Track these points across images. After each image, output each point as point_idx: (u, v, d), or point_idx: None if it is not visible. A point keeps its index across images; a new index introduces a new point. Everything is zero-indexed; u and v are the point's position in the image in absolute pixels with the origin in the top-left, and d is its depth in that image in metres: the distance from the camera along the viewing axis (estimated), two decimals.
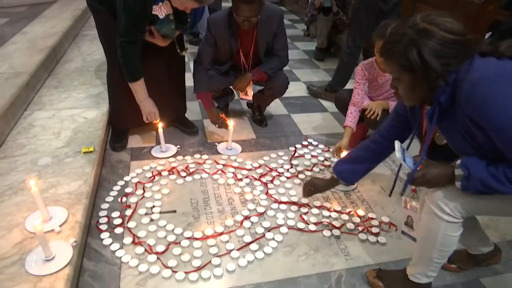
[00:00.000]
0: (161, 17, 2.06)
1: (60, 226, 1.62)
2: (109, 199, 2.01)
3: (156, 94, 2.31)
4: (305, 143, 2.63)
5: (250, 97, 2.68)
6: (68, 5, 4.59)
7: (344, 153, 2.19)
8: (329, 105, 3.19)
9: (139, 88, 2.22)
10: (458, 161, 1.21)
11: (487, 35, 3.09)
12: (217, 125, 2.52)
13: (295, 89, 3.51)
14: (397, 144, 1.39)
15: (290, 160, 2.44)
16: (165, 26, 2.12)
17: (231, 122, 2.45)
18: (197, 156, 2.42)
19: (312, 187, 1.87)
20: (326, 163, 2.43)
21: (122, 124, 2.49)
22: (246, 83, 2.58)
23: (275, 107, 3.13)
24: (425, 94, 1.24)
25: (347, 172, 1.73)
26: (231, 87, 2.73)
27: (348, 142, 2.35)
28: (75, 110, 2.56)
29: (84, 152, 2.12)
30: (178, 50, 2.31)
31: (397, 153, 1.36)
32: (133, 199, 2.01)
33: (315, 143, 2.64)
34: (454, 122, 1.23)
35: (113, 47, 2.11)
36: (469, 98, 1.12)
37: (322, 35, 4.33)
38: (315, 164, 2.40)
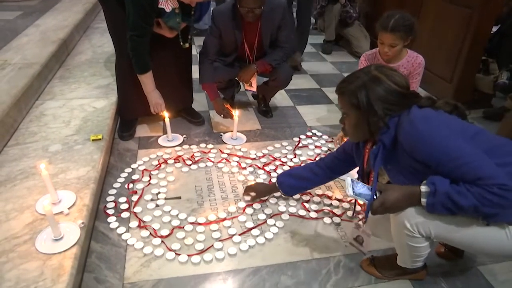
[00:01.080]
0: (168, 10, 2.11)
1: (68, 208, 1.69)
2: (117, 185, 2.08)
3: (163, 85, 2.37)
4: (309, 134, 2.66)
5: (254, 88, 2.72)
6: None
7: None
8: (334, 97, 3.19)
9: (147, 80, 2.28)
10: (424, 181, 1.26)
11: (494, 29, 3.07)
12: (222, 115, 2.57)
13: (302, 82, 3.54)
14: (347, 181, 1.42)
15: (294, 150, 2.47)
16: (171, 19, 2.16)
17: (236, 112, 2.50)
18: (202, 145, 2.47)
19: (254, 192, 2.00)
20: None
21: (130, 114, 2.56)
22: (250, 74, 2.61)
23: (281, 98, 3.16)
24: (367, 133, 1.41)
25: (287, 185, 1.89)
26: (236, 78, 2.78)
27: None
28: (85, 100, 2.63)
29: (93, 140, 2.19)
30: (181, 43, 2.35)
31: (348, 190, 1.38)
32: (139, 186, 2.07)
33: (319, 134, 2.67)
34: (397, 163, 1.37)
35: (121, 38, 2.17)
36: (409, 134, 1.28)
37: (331, 27, 4.35)
38: (318, 154, 2.44)
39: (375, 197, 1.35)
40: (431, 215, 1.28)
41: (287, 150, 2.47)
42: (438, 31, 3.34)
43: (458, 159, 1.20)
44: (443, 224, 1.29)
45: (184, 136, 2.55)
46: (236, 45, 2.56)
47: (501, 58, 3.40)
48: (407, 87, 1.36)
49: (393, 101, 1.33)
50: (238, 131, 2.57)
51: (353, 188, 1.39)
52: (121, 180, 2.12)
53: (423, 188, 1.25)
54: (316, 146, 2.52)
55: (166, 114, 2.40)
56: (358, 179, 1.61)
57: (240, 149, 2.45)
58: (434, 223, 1.30)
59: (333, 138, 2.61)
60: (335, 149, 2.46)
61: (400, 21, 2.10)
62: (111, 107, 2.55)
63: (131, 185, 2.08)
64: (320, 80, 3.62)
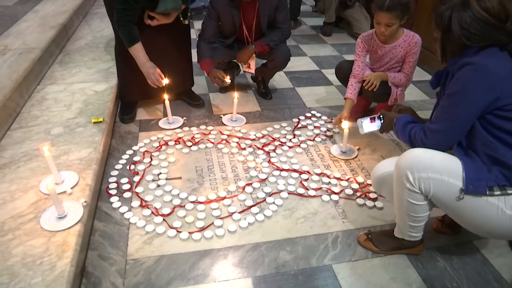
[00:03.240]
0: None
1: (71, 188, 1.73)
2: (118, 166, 2.12)
3: (163, 68, 2.37)
4: (308, 114, 2.68)
5: (252, 70, 2.73)
6: None
7: (344, 124, 2.24)
8: (334, 78, 3.20)
9: (137, 53, 2.27)
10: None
11: None
12: (215, 84, 2.55)
13: (301, 64, 3.54)
14: (358, 122, 1.88)
15: (293, 130, 2.50)
16: (170, 1, 2.16)
17: (235, 94, 2.51)
18: (202, 127, 2.50)
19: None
20: (328, 133, 2.48)
21: (130, 97, 2.58)
22: (248, 55, 2.62)
23: (280, 80, 3.17)
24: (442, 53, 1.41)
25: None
26: (235, 60, 2.78)
27: (349, 113, 2.39)
28: (86, 84, 2.65)
29: (94, 123, 2.21)
30: (181, 19, 2.35)
31: (363, 130, 1.85)
32: (141, 167, 2.11)
33: (318, 114, 2.69)
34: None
35: None
36: (457, 71, 1.31)
37: (331, 8, 4.31)
38: (317, 135, 2.46)
39: (382, 121, 1.74)
40: (433, 172, 1.32)
41: (286, 130, 2.50)
42: None
43: (449, 118, 1.35)
44: (442, 184, 1.32)
45: (184, 118, 2.57)
46: (235, 27, 2.56)
47: None
48: (499, 17, 1.28)
49: (476, 30, 1.28)
50: (237, 113, 2.59)
51: (363, 128, 1.85)
52: (122, 161, 2.16)
53: (394, 120, 1.59)
54: (315, 127, 2.54)
55: (166, 96, 2.41)
56: None
57: (239, 131, 2.47)
58: (435, 181, 1.32)
59: (332, 119, 2.62)
60: (334, 129, 2.50)
61: (396, 0, 2.09)
62: (111, 91, 2.57)
63: (132, 166, 2.12)
64: (319, 62, 3.61)
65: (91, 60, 3.02)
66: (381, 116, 1.74)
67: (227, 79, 2.48)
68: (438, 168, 1.32)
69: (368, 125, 1.83)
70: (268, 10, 2.51)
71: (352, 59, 2.53)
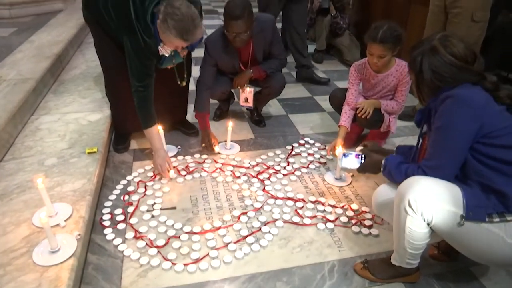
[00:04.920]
0: (167, 55, 2.10)
1: (65, 221, 1.71)
2: (112, 197, 2.10)
3: (158, 98, 2.34)
4: (302, 142, 2.70)
5: (250, 104, 2.77)
6: (73, 14, 4.72)
7: (338, 151, 2.26)
8: (327, 105, 3.24)
9: (153, 135, 2.23)
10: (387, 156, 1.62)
11: None
12: (203, 145, 2.54)
13: (294, 90, 3.60)
14: (339, 155, 1.93)
15: (287, 158, 2.51)
16: (166, 61, 2.19)
17: (230, 123, 2.54)
18: (197, 156, 2.50)
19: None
20: (322, 160, 2.50)
21: (123, 129, 2.59)
22: (245, 79, 2.66)
23: (274, 108, 3.21)
24: (419, 94, 1.52)
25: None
26: (232, 90, 2.82)
27: (343, 141, 2.42)
28: (80, 113, 2.67)
29: (88, 153, 2.21)
30: (178, 82, 2.38)
31: (341, 164, 1.86)
32: (135, 197, 2.09)
33: (311, 141, 2.71)
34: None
35: (107, 62, 2.25)
36: (441, 105, 1.38)
37: (322, 37, 4.42)
38: (311, 162, 2.48)
39: (362, 161, 1.76)
40: (435, 200, 1.34)
41: (280, 158, 2.51)
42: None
43: (444, 151, 1.38)
44: (444, 212, 1.34)
45: (179, 147, 2.58)
46: (233, 68, 2.63)
47: (487, 63, 3.46)
48: (466, 60, 1.40)
49: (446, 73, 1.39)
50: (231, 141, 2.60)
51: (341, 162, 1.85)
52: (116, 192, 2.15)
53: (383, 161, 1.59)
54: (309, 154, 2.56)
55: (160, 127, 2.39)
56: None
57: (234, 159, 2.48)
58: (437, 209, 1.34)
59: (325, 145, 2.65)
60: (328, 156, 2.52)
61: (388, 32, 2.16)
62: (106, 120, 2.58)
63: (126, 197, 2.10)
64: (312, 89, 3.67)
65: (85, 90, 3.04)
66: (364, 156, 1.77)
67: (216, 147, 2.48)
68: (440, 196, 1.34)
69: (349, 161, 1.82)
70: (262, 46, 2.57)
71: (343, 85, 2.60)
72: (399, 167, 1.52)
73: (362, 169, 1.77)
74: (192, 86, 2.64)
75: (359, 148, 1.93)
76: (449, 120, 1.35)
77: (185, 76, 2.44)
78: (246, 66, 2.64)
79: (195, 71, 2.65)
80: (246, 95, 2.74)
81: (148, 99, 2.16)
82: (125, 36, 2.03)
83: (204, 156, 2.50)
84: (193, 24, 1.87)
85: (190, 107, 2.82)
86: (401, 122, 2.95)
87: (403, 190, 1.40)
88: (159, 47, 2.04)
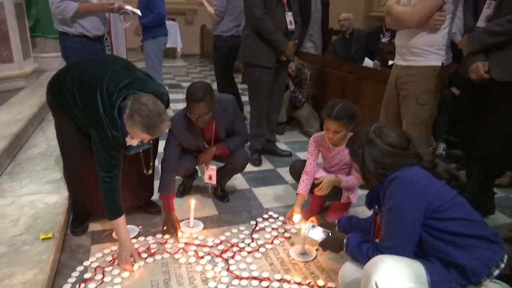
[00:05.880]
0: (134, 145, 2.13)
1: None
2: (67, 286, 1.98)
3: (124, 182, 2.24)
4: (266, 216, 2.71)
5: (214, 181, 2.81)
6: (35, 91, 4.72)
7: (296, 217, 2.34)
8: (289, 177, 3.31)
9: (120, 227, 2.15)
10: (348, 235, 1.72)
11: None
12: (164, 227, 2.46)
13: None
14: (308, 225, 2.10)
15: (251, 234, 2.49)
16: (133, 149, 2.20)
17: (192, 201, 2.52)
18: (158, 236, 2.44)
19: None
20: (286, 234, 2.50)
21: (82, 211, 2.51)
22: (209, 156, 2.70)
23: (237, 181, 3.24)
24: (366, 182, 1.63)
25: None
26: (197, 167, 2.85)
27: (300, 209, 2.50)
28: (36, 195, 2.57)
29: (43, 239, 2.11)
30: (144, 170, 2.38)
31: (307, 232, 2.07)
32: (92, 285, 1.98)
33: (275, 215, 2.72)
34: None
35: (67, 148, 2.25)
36: (388, 190, 1.48)
37: (282, 110, 4.62)
38: (275, 237, 2.47)
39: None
40: (401, 279, 1.36)
41: (245, 234, 2.49)
42: (378, 110, 3.65)
43: (397, 232, 1.45)
44: None
45: (140, 227, 2.51)
46: (197, 147, 2.69)
47: (436, 131, 3.74)
48: (402, 147, 1.52)
49: (387, 162, 1.50)
50: (195, 218, 2.57)
51: (309, 231, 2.06)
52: (72, 280, 2.02)
53: (345, 240, 1.68)
54: (273, 228, 2.56)
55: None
56: None
57: (197, 237, 2.44)
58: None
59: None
60: (291, 230, 2.52)
61: (343, 110, 2.31)
62: (63, 202, 2.50)
63: (82, 285, 1.98)
64: (274, 161, 3.76)
65: (43, 170, 2.97)
66: (329, 233, 1.94)
67: (179, 233, 2.44)
68: (405, 275, 1.37)
69: (315, 233, 2.06)
70: (225, 124, 2.67)
71: (304, 156, 2.70)
72: (360, 247, 1.60)
73: (324, 246, 1.83)
74: (157, 161, 2.64)
75: (304, 226, 2.12)
76: (398, 202, 1.43)
77: (151, 164, 2.44)
78: (210, 144, 2.71)
79: (161, 147, 2.65)
80: (210, 172, 2.77)
81: (115, 190, 2.12)
82: (92, 128, 2.04)
83: (166, 236, 2.43)
84: (159, 119, 1.91)
85: (156, 184, 2.80)
86: (363, 191, 3.03)
87: (369, 270, 1.42)
88: (126, 139, 2.06)
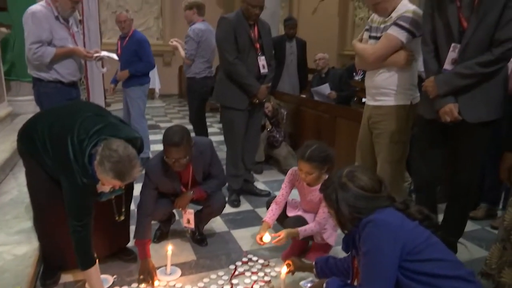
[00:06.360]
0: (106, 191, 2.12)
1: None
2: None
3: (97, 229, 2.20)
4: (245, 259, 2.66)
5: (192, 225, 2.77)
6: (8, 135, 4.60)
7: (266, 237, 2.44)
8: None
9: (92, 277, 2.10)
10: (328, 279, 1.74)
11: None
12: (141, 276, 2.38)
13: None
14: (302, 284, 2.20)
15: (230, 279, 2.44)
16: (105, 195, 2.19)
17: (169, 247, 2.46)
18: (134, 285, 2.35)
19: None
20: (266, 278, 2.45)
21: (54, 262, 2.40)
22: (186, 200, 2.68)
23: (216, 224, 3.19)
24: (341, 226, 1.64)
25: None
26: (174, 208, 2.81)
27: (265, 232, 2.51)
28: (4, 247, 2.46)
29: None
30: (116, 217, 2.34)
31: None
32: None
33: (255, 258, 2.68)
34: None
35: (38, 196, 2.20)
36: (362, 233, 1.48)
37: (260, 149, 4.66)
38: (255, 281, 2.42)
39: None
40: None
41: (223, 280, 2.43)
42: (354, 148, 3.72)
43: (375, 276, 1.44)
44: None
45: (115, 276, 2.42)
46: (175, 191, 2.67)
47: (410, 167, 3.80)
48: (374, 190, 1.54)
49: (361, 205, 1.51)
50: (172, 265, 2.50)
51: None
52: None
53: (324, 285, 1.70)
54: (252, 273, 2.51)
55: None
56: None
57: (174, 285, 2.36)
58: None
59: (269, 262, 2.63)
60: (271, 274, 2.48)
61: (316, 152, 2.35)
62: (33, 253, 2.40)
63: None
64: (253, 201, 3.74)
65: (14, 218, 2.86)
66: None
67: (156, 281, 2.36)
68: None
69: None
70: (202, 167, 2.68)
71: None
72: None
73: None
74: (134, 204, 2.59)
75: (283, 270, 2.12)
76: (373, 245, 1.44)
77: (123, 210, 2.39)
78: (187, 187, 2.69)
79: (137, 190, 2.61)
80: (188, 216, 2.74)
81: (87, 239, 2.06)
82: (62, 176, 2.01)
83: (142, 286, 2.35)
84: (130, 165, 1.90)
85: (132, 229, 2.73)
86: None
87: None
88: (98, 185, 2.03)
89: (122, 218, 2.38)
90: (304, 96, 5.63)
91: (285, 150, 4.74)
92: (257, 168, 4.65)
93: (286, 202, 2.72)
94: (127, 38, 4.58)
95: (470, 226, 3.17)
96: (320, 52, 5.56)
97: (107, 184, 1.99)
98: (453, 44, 2.27)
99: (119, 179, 1.90)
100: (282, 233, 2.45)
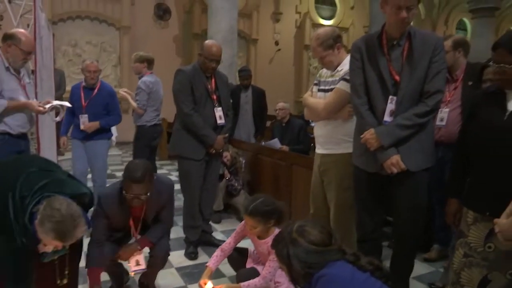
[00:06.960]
0: (49, 251, 2.02)
1: None
2: None
3: None
4: None
5: (143, 266, 2.64)
6: None
7: (209, 285, 2.39)
8: (228, 270, 3.22)
9: None
10: None
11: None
12: None
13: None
14: None
15: None
16: (48, 256, 2.08)
17: None
18: None
19: None
20: None
21: None
22: (130, 252, 2.59)
23: (171, 278, 3.07)
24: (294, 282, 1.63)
25: None
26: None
27: (208, 279, 2.47)
28: None
29: None
30: (58, 281, 2.19)
31: None
32: None
33: None
34: None
35: None
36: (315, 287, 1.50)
37: (218, 198, 4.62)
38: None
39: None
40: None
41: None
42: (309, 194, 3.79)
43: None
44: None
45: None
46: (124, 224, 2.58)
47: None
48: (325, 244, 1.55)
49: (312, 260, 1.51)
50: None
51: None
52: None
53: None
54: None
55: None
56: None
57: None
58: None
59: None
60: None
61: (259, 206, 2.38)
62: None
63: None
64: (211, 253, 3.60)
65: None
66: None
67: None
68: None
69: None
70: (155, 207, 2.62)
71: (242, 244, 2.70)
72: None
73: None
74: (82, 263, 2.45)
75: None
76: None
77: (66, 272, 2.23)
78: (136, 224, 2.61)
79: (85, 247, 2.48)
80: (136, 257, 2.62)
81: None
82: (0, 236, 1.89)
83: None
84: (72, 225, 1.83)
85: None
86: None
87: None
88: (39, 246, 1.93)
89: (65, 281, 2.22)
90: (262, 143, 5.72)
91: (244, 199, 4.74)
92: (215, 217, 4.59)
93: (248, 254, 2.69)
94: (96, 90, 4.34)
95: (425, 268, 3.27)
96: (281, 100, 5.65)
97: (48, 244, 1.90)
98: (390, 96, 2.35)
99: (60, 240, 1.82)
100: (222, 287, 2.44)
